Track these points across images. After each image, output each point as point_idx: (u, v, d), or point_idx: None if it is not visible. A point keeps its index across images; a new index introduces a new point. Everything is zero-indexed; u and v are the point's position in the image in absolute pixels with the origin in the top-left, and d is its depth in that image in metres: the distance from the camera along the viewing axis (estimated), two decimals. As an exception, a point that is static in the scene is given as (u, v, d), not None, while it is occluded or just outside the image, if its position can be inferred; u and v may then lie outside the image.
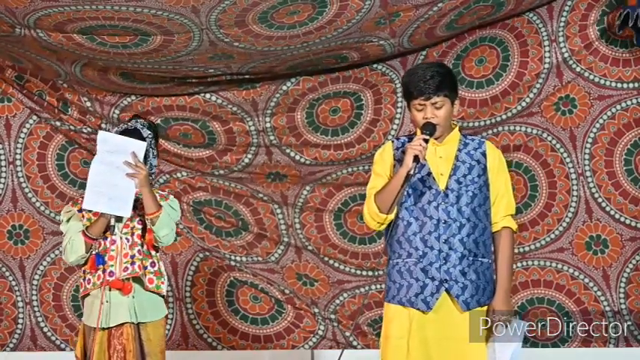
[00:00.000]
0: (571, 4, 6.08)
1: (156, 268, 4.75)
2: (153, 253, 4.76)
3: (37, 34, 5.62)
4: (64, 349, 6.27)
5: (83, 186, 6.22)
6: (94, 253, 4.71)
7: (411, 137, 4.42)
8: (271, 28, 5.65)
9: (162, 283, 4.76)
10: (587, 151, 6.16)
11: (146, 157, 4.73)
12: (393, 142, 4.48)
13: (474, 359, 4.31)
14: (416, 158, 4.23)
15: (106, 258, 4.70)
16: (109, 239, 4.71)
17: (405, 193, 4.32)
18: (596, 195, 6.16)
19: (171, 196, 4.86)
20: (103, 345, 4.68)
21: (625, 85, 6.12)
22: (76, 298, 6.28)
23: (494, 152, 4.46)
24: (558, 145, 6.17)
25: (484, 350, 4.33)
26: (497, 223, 4.41)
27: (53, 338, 6.29)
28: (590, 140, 6.15)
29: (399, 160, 4.37)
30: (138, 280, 4.71)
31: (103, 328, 4.68)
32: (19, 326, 6.28)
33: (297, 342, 6.31)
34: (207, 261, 6.29)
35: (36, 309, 6.27)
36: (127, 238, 4.72)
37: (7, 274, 6.29)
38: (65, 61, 5.93)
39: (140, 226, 4.75)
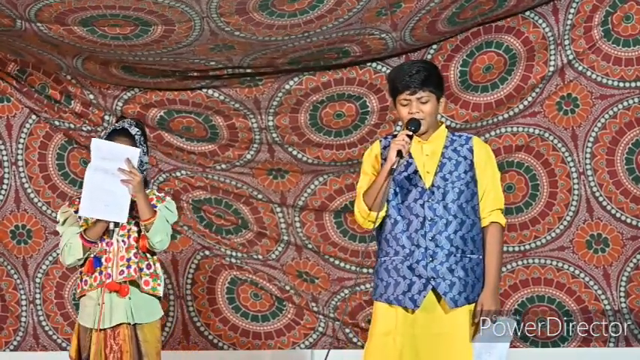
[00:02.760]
0: (576, 6, 6.04)
1: (152, 270, 4.77)
2: (149, 255, 4.77)
3: (38, 28, 5.63)
4: (65, 348, 6.30)
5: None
6: (91, 256, 4.74)
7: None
8: (272, 16, 5.64)
9: (159, 285, 4.77)
10: (588, 150, 6.13)
11: None
12: (380, 141, 4.50)
13: (461, 356, 4.32)
14: (399, 153, 4.25)
15: (103, 260, 4.73)
16: (105, 241, 4.74)
17: (392, 191, 4.35)
18: (597, 194, 6.14)
19: (168, 198, 4.86)
20: (100, 345, 4.70)
21: (627, 85, 6.09)
22: (78, 297, 6.35)
23: (482, 147, 4.45)
24: (560, 145, 6.14)
25: (471, 347, 4.33)
26: (485, 218, 4.40)
27: (55, 337, 6.34)
28: (591, 139, 6.13)
29: (385, 159, 4.38)
30: (134, 282, 4.73)
31: (100, 329, 4.71)
32: (22, 324, 6.34)
33: (298, 339, 6.34)
34: (208, 259, 6.32)
35: (38, 307, 6.33)
36: (123, 241, 4.75)
37: (12, 272, 6.35)
38: (66, 55, 5.96)
39: (136, 229, 4.76)
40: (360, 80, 6.23)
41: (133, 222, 4.76)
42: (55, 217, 6.26)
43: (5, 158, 6.32)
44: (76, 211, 4.76)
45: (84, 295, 4.77)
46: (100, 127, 6.30)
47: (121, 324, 4.70)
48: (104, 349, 4.70)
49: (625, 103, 6.09)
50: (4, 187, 6.33)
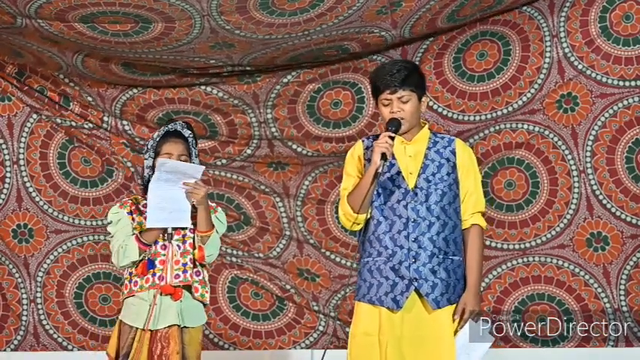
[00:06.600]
0: (572, 0, 6.06)
1: (200, 277, 4.79)
2: (198, 263, 4.79)
3: (39, 24, 5.66)
4: (65, 347, 6.34)
5: (85, 184, 6.35)
6: (146, 258, 4.73)
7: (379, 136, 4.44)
8: (272, 15, 5.66)
9: (207, 292, 4.80)
10: (588, 148, 6.15)
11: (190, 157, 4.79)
12: (363, 141, 4.51)
13: (445, 357, 4.33)
14: (383, 156, 4.26)
15: (157, 262, 4.72)
16: (160, 244, 4.73)
17: (375, 192, 4.36)
18: (597, 192, 6.15)
19: (220, 209, 4.88)
20: (144, 345, 4.70)
21: (627, 83, 6.09)
22: (78, 296, 6.35)
23: (465, 150, 4.47)
24: (560, 143, 6.16)
25: (454, 348, 4.34)
26: (467, 220, 4.43)
27: (55, 336, 6.37)
28: (591, 138, 6.14)
29: (369, 160, 4.40)
30: (186, 287, 4.74)
31: (148, 329, 4.71)
32: (23, 323, 6.36)
33: (298, 338, 6.36)
34: (208, 258, 6.34)
35: (39, 306, 6.35)
36: (178, 246, 4.74)
37: (14, 271, 6.37)
38: (67, 52, 5.98)
39: (192, 235, 4.76)
40: (354, 67, 6.27)
41: (188, 228, 4.76)
42: (57, 216, 6.32)
43: (7, 157, 6.35)
44: (130, 212, 4.75)
45: (132, 296, 4.74)
46: (101, 128, 6.32)
47: (171, 325, 4.70)
48: (149, 349, 4.69)
49: (625, 102, 6.10)
50: (6, 186, 6.36)
